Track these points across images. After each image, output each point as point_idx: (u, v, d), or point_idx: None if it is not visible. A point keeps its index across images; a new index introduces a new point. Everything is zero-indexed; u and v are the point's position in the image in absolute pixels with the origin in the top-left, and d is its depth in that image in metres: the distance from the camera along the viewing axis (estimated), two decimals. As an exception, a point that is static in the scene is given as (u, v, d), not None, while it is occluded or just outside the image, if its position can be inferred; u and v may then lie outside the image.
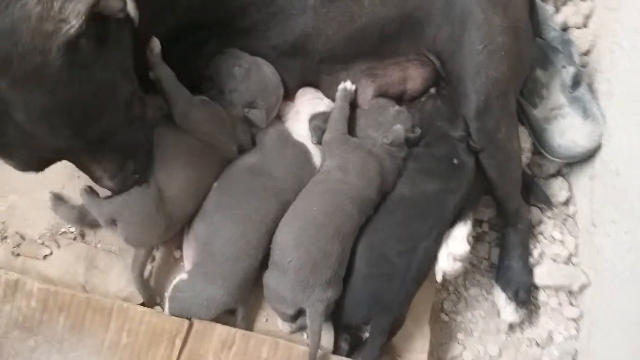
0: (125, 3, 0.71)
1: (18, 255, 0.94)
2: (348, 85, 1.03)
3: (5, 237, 0.95)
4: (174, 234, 0.95)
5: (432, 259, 1.00)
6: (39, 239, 0.95)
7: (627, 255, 1.02)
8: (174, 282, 0.93)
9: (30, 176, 0.92)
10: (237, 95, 0.96)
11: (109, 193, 0.89)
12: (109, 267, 0.96)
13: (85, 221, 0.95)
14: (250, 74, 0.96)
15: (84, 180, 0.96)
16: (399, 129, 0.99)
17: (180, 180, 0.91)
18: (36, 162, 0.77)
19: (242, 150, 0.98)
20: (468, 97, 0.98)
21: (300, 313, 0.95)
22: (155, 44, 0.86)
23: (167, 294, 0.93)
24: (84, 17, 0.63)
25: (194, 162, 0.92)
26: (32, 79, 0.64)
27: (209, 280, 0.90)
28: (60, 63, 0.64)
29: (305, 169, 0.99)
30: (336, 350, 0.98)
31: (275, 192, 0.95)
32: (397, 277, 0.95)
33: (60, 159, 0.80)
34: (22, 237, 0.94)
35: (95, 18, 0.67)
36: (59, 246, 0.95)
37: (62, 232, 0.96)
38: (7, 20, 0.61)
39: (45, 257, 0.94)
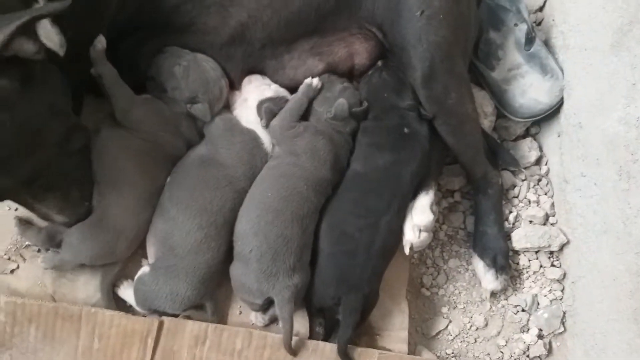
0: (41, 45, 0.70)
1: (-15, 272, 0.96)
2: (315, 81, 1.02)
3: (-28, 256, 0.97)
4: (138, 243, 0.96)
5: (396, 232, 0.99)
6: (5, 254, 0.96)
7: (598, 208, 0.99)
8: (138, 274, 0.94)
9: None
10: (178, 93, 0.97)
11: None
12: (76, 275, 0.96)
13: (54, 242, 0.94)
14: (190, 70, 0.96)
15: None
16: (342, 103, 0.98)
17: (127, 189, 0.91)
18: None
19: (190, 145, 0.99)
20: (412, 65, 0.97)
21: (270, 302, 0.95)
22: (99, 41, 0.88)
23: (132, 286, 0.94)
24: None
25: (140, 166, 0.92)
26: None
27: (172, 275, 0.91)
28: None
29: (256, 155, 0.98)
30: (312, 335, 0.97)
31: (228, 181, 0.95)
32: (360, 253, 0.94)
33: (2, 199, 0.80)
34: (-12, 254, 0.96)
35: (14, 60, 0.68)
36: (24, 260, 0.97)
37: (27, 246, 0.97)
38: None
39: (12, 271, 0.96)
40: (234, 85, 1.04)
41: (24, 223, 0.97)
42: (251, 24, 0.98)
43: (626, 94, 0.93)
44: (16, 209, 0.98)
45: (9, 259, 0.96)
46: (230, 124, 0.99)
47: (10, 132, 0.70)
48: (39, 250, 0.97)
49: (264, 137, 1.00)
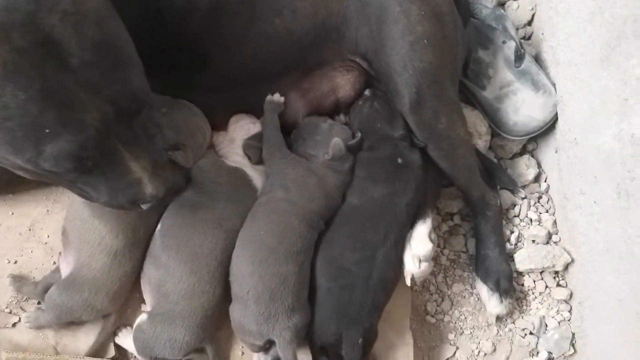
0: None
1: (-13, 327, 0.96)
2: (276, 97, 1.02)
3: (-27, 312, 0.97)
4: (126, 294, 0.96)
5: (395, 264, 0.97)
6: (6, 308, 0.97)
7: (599, 226, 0.97)
8: (136, 322, 0.93)
9: (-13, 250, 0.96)
10: (159, 140, 0.96)
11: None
12: (77, 325, 0.96)
13: None
14: (171, 117, 0.96)
15: (40, 243, 0.99)
16: (337, 142, 0.97)
17: (100, 249, 0.91)
18: None
19: (176, 192, 0.97)
20: (399, 92, 0.96)
21: (271, 342, 0.93)
22: None
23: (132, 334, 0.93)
24: None
25: (115, 222, 0.91)
26: None
27: (169, 321, 0.90)
28: None
29: (245, 193, 0.98)
30: (317, 373, 0.96)
31: (217, 223, 0.94)
32: (359, 287, 0.93)
33: None
34: (-11, 309, 0.97)
35: None
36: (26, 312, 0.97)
37: (27, 298, 0.98)
38: None
39: (14, 324, 0.96)
40: (219, 127, 1.03)
41: (18, 280, 0.97)
42: (234, 66, 0.97)
43: (618, 109, 0.91)
44: (15, 262, 0.99)
45: (10, 312, 0.97)
46: (215, 165, 0.98)
47: None
48: (39, 303, 0.97)
49: (252, 174, 0.99)
